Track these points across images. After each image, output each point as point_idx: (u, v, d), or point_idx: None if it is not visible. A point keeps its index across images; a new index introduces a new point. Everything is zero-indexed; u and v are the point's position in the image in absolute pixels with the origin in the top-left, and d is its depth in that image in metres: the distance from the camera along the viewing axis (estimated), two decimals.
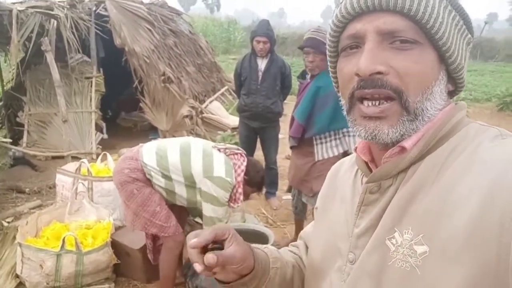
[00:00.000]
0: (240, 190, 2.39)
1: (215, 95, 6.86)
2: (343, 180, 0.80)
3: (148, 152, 2.36)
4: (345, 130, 2.59)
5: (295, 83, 4.69)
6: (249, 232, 2.56)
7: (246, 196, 2.54)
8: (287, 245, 3.24)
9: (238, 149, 2.50)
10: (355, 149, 0.74)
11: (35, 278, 2.43)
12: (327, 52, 0.72)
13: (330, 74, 0.75)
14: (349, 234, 0.70)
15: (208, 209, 2.32)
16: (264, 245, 0.83)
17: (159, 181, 2.33)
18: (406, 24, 0.59)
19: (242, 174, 2.39)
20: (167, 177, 2.32)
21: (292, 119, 2.81)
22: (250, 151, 4.05)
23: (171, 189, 2.36)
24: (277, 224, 3.74)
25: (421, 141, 0.62)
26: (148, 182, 2.33)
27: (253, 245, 0.77)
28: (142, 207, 2.30)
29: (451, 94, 0.67)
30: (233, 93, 6.90)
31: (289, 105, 4.66)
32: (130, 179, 2.29)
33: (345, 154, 2.64)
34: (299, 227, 3.30)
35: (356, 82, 0.61)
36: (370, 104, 0.61)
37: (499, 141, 0.58)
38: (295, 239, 3.27)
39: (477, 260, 0.50)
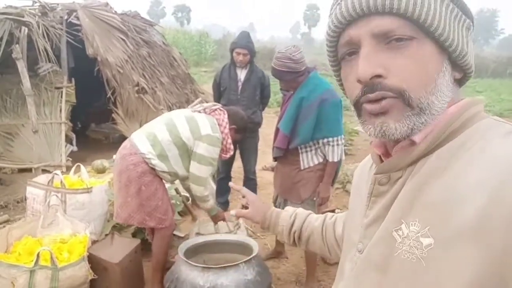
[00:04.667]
0: (229, 141, 2.65)
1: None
2: (360, 176, 0.82)
3: (141, 142, 2.52)
4: (325, 140, 2.60)
5: (273, 95, 4.69)
6: (234, 244, 2.52)
7: (235, 143, 2.84)
8: (267, 256, 3.18)
9: (214, 105, 2.73)
10: (371, 143, 0.75)
11: None
12: (328, 62, 0.73)
13: (337, 84, 0.76)
14: (360, 225, 0.72)
15: (194, 167, 2.54)
16: (293, 210, 1.17)
17: (161, 167, 2.50)
18: (398, 23, 0.59)
19: (227, 126, 2.63)
20: (165, 158, 2.50)
21: (277, 130, 2.80)
22: (229, 161, 4.02)
23: (173, 170, 2.55)
24: (257, 235, 3.70)
25: (431, 135, 0.62)
26: (153, 171, 2.49)
27: (281, 210, 1.19)
28: (146, 201, 2.48)
29: (460, 82, 0.67)
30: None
31: (267, 116, 4.69)
32: (137, 174, 2.45)
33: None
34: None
35: (360, 90, 0.62)
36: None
37: (511, 136, 0.58)
38: (276, 250, 3.28)
39: (483, 252, 0.51)
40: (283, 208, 2.99)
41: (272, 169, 3.11)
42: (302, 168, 2.68)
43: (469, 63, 0.65)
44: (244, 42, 3.62)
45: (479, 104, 0.65)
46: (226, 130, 2.62)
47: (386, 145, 0.72)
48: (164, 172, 2.54)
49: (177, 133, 2.51)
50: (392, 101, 0.60)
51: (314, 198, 2.72)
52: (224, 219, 2.84)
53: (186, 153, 2.56)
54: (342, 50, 0.66)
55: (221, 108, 2.72)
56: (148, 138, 2.53)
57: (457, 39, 0.62)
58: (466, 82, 0.69)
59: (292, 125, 2.64)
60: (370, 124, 0.63)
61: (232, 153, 2.73)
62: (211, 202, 2.73)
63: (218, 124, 2.60)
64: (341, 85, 0.73)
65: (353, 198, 0.84)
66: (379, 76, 0.59)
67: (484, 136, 0.59)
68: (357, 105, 0.65)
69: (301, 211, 1.14)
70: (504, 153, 0.55)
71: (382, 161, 0.72)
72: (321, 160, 2.67)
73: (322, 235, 1.05)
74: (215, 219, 2.82)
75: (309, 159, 2.68)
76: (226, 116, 2.66)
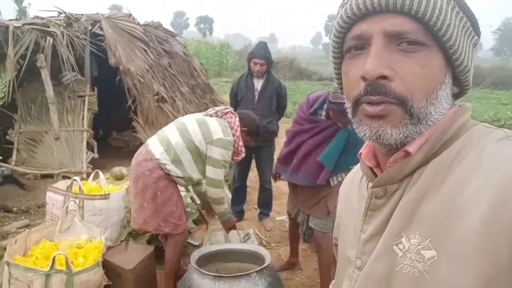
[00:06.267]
0: (240, 143, 2.68)
1: None
2: (350, 188, 0.80)
3: (155, 148, 2.56)
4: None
5: (292, 105, 4.71)
6: (246, 253, 2.51)
7: (248, 146, 2.83)
8: (281, 267, 3.14)
9: (226, 108, 2.76)
10: (360, 155, 0.73)
11: None
12: (331, 53, 0.70)
13: (334, 76, 0.73)
14: (357, 240, 0.69)
15: (210, 171, 2.59)
16: None
17: (176, 172, 2.54)
18: (414, 26, 0.58)
19: (239, 129, 2.66)
20: (180, 163, 2.54)
21: (308, 158, 2.65)
22: (245, 170, 4.04)
23: (187, 175, 2.59)
24: (271, 246, 3.68)
25: (426, 145, 0.61)
26: (168, 176, 2.53)
27: None
28: (161, 207, 2.54)
29: (456, 96, 0.67)
30: None
31: (285, 126, 4.67)
32: (153, 179, 2.50)
33: None
34: (295, 248, 3.25)
35: (363, 88, 0.60)
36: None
37: (505, 142, 0.57)
38: (290, 261, 3.24)
39: (488, 262, 0.50)
40: (306, 225, 2.84)
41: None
42: (332, 185, 2.65)
43: (469, 79, 0.65)
44: (261, 52, 3.64)
45: (468, 111, 0.65)
46: (238, 133, 2.65)
47: (378, 156, 0.70)
48: (179, 177, 2.59)
49: (190, 138, 2.56)
50: (392, 107, 0.59)
51: None
52: (234, 227, 2.88)
53: (200, 157, 2.59)
54: (349, 43, 0.64)
55: (233, 112, 2.75)
56: (162, 143, 2.57)
57: (464, 53, 0.61)
58: (461, 97, 0.68)
59: (336, 159, 2.57)
60: (366, 126, 0.62)
61: (243, 155, 2.74)
62: (225, 206, 2.79)
63: (230, 127, 2.63)
64: (339, 79, 0.70)
65: (343, 213, 0.81)
66: (385, 77, 0.58)
67: (479, 144, 0.58)
68: (356, 103, 0.63)
69: None
70: (501, 158, 0.54)
71: (374, 173, 0.70)
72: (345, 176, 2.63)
73: None
74: (226, 225, 2.85)
75: (338, 178, 2.65)
76: (237, 119, 2.70)
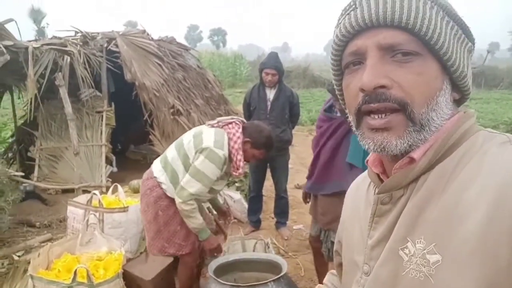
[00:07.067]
0: (239, 157, 2.38)
1: None
2: (357, 195, 0.81)
3: (155, 166, 2.50)
4: None
5: (306, 113, 4.73)
6: (264, 262, 2.51)
7: (255, 159, 2.56)
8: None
9: (232, 118, 2.50)
10: (367, 162, 0.75)
11: None
12: (331, 71, 0.73)
13: (336, 93, 0.76)
14: (364, 246, 0.71)
15: (185, 179, 2.30)
16: None
17: (172, 193, 2.40)
18: (405, 37, 0.60)
19: (239, 140, 2.37)
20: (178, 182, 2.38)
21: (332, 168, 2.50)
22: (260, 180, 4.05)
23: None
24: (288, 255, 3.67)
25: (430, 151, 0.62)
26: (169, 197, 2.42)
27: None
28: (164, 227, 2.42)
29: (458, 102, 0.68)
30: None
31: (300, 135, 4.69)
32: (153, 199, 2.41)
33: None
34: (318, 256, 3.13)
35: (361, 98, 0.62)
36: (376, 117, 0.62)
37: (507, 146, 0.58)
38: (319, 271, 3.14)
39: (488, 264, 0.51)
40: (327, 239, 2.74)
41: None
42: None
43: (468, 85, 0.67)
44: (272, 62, 3.69)
45: (472, 117, 0.66)
46: (237, 145, 2.37)
47: (383, 163, 0.72)
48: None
49: (184, 152, 2.38)
50: (395, 117, 0.61)
51: None
52: (217, 248, 2.56)
53: None
54: (347, 59, 0.67)
55: (238, 122, 2.48)
56: (161, 161, 2.50)
57: (458, 59, 0.63)
58: (464, 103, 0.70)
59: (363, 156, 2.41)
60: (369, 139, 0.64)
61: (241, 171, 2.45)
62: (199, 222, 2.38)
63: (229, 138, 2.36)
64: (341, 94, 0.73)
65: (349, 219, 0.83)
66: (383, 87, 0.60)
67: (481, 149, 0.60)
68: (358, 115, 0.65)
69: None
70: (502, 161, 0.56)
71: (380, 179, 0.72)
72: None
73: None
74: (206, 245, 2.49)
75: None
76: (239, 129, 2.41)
